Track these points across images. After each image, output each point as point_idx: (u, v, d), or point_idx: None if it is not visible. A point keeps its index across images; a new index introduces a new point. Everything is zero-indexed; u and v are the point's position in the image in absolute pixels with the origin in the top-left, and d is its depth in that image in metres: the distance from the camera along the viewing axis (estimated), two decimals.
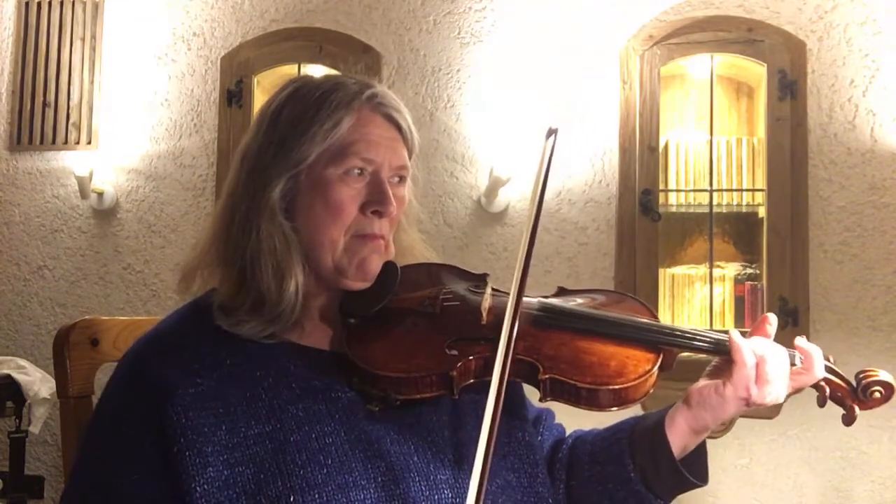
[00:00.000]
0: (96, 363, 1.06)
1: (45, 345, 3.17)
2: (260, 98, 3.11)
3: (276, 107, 0.95)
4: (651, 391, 0.92)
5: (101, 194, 3.14)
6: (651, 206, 2.76)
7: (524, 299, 0.92)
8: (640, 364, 0.92)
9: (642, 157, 2.79)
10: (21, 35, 3.30)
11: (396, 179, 0.96)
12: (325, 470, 0.83)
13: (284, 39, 3.08)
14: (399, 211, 0.96)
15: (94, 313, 3.07)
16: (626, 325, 0.95)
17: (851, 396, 0.94)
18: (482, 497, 0.77)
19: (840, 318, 2.68)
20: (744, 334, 0.96)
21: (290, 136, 0.91)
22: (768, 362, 0.91)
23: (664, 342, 0.94)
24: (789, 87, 2.71)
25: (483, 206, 2.90)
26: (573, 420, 1.13)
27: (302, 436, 0.85)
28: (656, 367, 0.92)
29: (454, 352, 0.91)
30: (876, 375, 0.93)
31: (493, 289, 1.01)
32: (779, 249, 2.69)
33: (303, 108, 0.92)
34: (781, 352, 0.94)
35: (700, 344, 0.95)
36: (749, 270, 2.82)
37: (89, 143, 3.22)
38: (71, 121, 3.24)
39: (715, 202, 2.80)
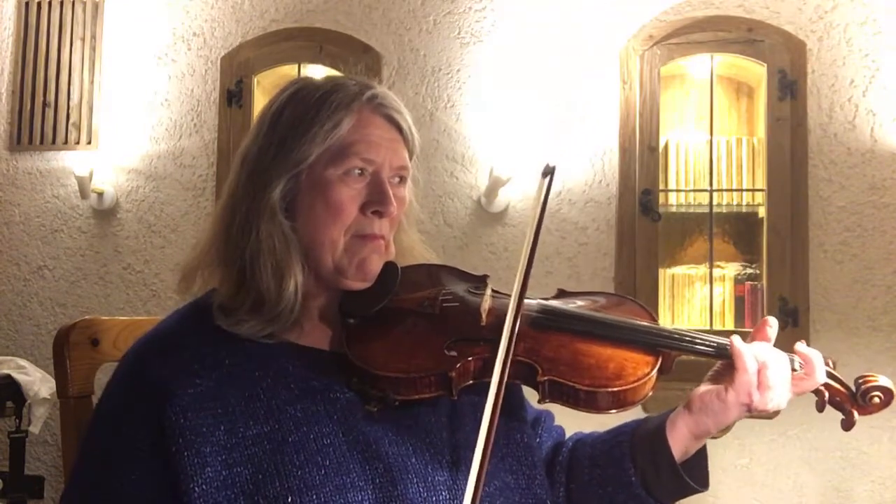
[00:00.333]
0: (96, 363, 1.06)
1: (45, 345, 3.17)
2: (260, 98, 3.11)
3: (276, 108, 0.95)
4: (650, 394, 0.92)
5: (101, 194, 3.14)
6: (651, 206, 2.76)
7: (516, 296, 0.92)
8: (638, 367, 0.92)
9: (642, 157, 2.79)
10: (21, 35, 3.30)
11: (397, 180, 0.96)
12: (322, 471, 0.83)
13: (284, 39, 3.08)
14: (399, 211, 0.96)
15: (94, 313, 3.07)
16: (624, 328, 0.95)
17: (851, 401, 0.94)
18: (478, 499, 0.77)
19: (840, 318, 2.68)
20: (744, 336, 0.95)
21: (290, 136, 0.92)
22: (770, 368, 0.91)
23: (663, 345, 0.94)
24: (789, 87, 2.71)
25: (483, 206, 2.90)
26: (573, 422, 1.13)
27: (300, 436, 0.85)
28: (655, 370, 0.92)
29: (453, 353, 0.91)
30: (875, 380, 0.93)
31: (493, 290, 1.01)
32: (779, 249, 2.69)
33: (303, 109, 0.93)
34: (783, 357, 0.93)
35: (700, 348, 0.94)
36: (749, 270, 2.82)
37: (89, 143, 3.22)
38: (71, 121, 3.24)
39: (715, 202, 2.80)
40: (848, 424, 0.95)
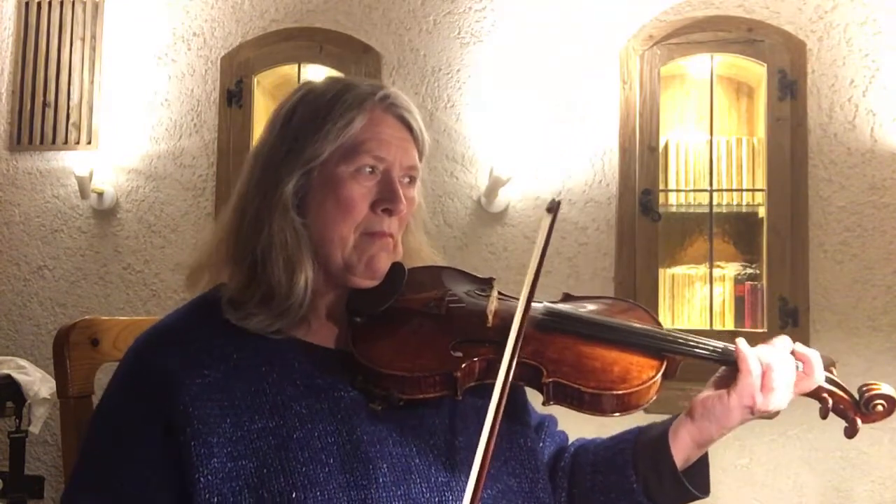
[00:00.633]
0: (96, 363, 1.06)
1: (45, 345, 3.17)
2: (260, 98, 3.11)
3: (289, 107, 0.96)
4: (654, 398, 0.92)
5: (101, 194, 3.14)
6: (651, 206, 2.76)
7: (524, 302, 0.92)
8: (643, 370, 0.92)
9: (642, 157, 2.79)
10: (21, 35, 3.30)
11: (407, 180, 0.97)
12: (326, 468, 0.84)
13: (284, 39, 3.08)
14: (408, 211, 0.97)
15: (94, 313, 3.07)
16: (629, 332, 0.96)
17: (854, 409, 0.94)
18: (477, 500, 0.77)
19: (840, 318, 2.68)
20: (745, 336, 0.96)
21: (302, 134, 0.93)
22: (774, 370, 0.91)
23: (668, 349, 0.95)
24: (789, 87, 2.71)
25: (483, 206, 2.90)
26: (574, 426, 1.13)
27: (304, 433, 0.85)
28: (660, 374, 0.92)
29: (458, 353, 0.91)
30: (878, 389, 0.93)
31: (499, 293, 1.01)
32: (779, 249, 2.69)
33: (316, 107, 0.94)
34: (788, 358, 0.93)
35: (704, 352, 0.95)
36: (749, 270, 2.82)
37: (89, 143, 3.22)
38: (71, 121, 3.24)
39: (715, 202, 2.80)
40: (851, 432, 0.94)
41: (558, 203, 0.98)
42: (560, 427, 1.14)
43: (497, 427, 0.81)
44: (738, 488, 2.65)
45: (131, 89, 3.21)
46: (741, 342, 0.93)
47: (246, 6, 3.15)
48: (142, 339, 0.94)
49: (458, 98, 2.95)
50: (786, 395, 0.93)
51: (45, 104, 3.26)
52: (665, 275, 2.83)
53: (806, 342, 2.79)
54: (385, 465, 0.86)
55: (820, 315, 2.68)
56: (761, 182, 2.76)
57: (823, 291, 2.69)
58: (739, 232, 2.90)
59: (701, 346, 0.95)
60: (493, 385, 0.89)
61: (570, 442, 1.12)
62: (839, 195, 2.71)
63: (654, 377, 0.91)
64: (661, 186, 2.82)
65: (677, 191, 2.85)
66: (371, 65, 2.98)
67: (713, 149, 2.80)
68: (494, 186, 2.81)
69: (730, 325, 2.75)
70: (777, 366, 0.92)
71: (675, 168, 2.84)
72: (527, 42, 2.92)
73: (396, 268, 0.98)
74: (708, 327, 2.73)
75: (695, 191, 2.83)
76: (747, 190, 2.81)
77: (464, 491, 0.82)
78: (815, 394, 0.95)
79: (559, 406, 0.92)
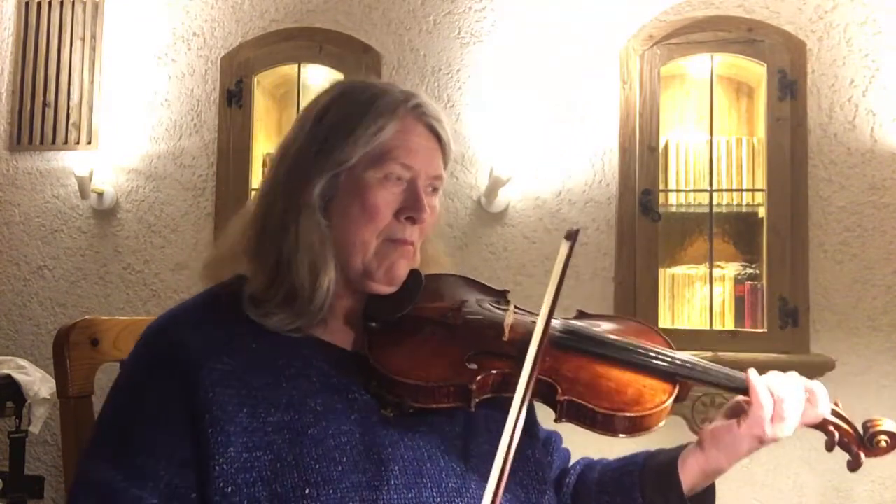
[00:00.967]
0: (96, 363, 1.06)
1: (45, 345, 3.17)
2: (260, 98, 3.11)
3: (321, 107, 0.96)
4: (663, 422, 0.93)
5: (101, 194, 3.14)
6: (651, 206, 2.76)
7: (546, 315, 0.92)
8: (656, 394, 0.93)
9: (642, 157, 2.79)
10: (21, 35, 3.30)
11: (430, 189, 0.98)
12: (339, 467, 0.84)
13: (284, 39, 3.08)
14: (431, 220, 0.97)
15: (94, 313, 3.07)
16: (645, 355, 0.97)
17: (858, 443, 0.96)
18: None
19: (840, 318, 2.68)
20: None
21: (333, 135, 0.93)
22: (786, 401, 0.92)
23: (681, 374, 0.95)
24: (789, 87, 2.71)
25: (483, 206, 2.90)
26: (578, 443, 1.14)
27: (319, 430, 0.86)
28: (672, 399, 0.93)
29: (473, 365, 0.92)
30: (881, 425, 0.95)
31: (515, 307, 1.02)
32: (779, 249, 2.69)
33: (349, 110, 0.94)
34: (798, 389, 0.94)
35: (715, 380, 0.96)
36: (749, 270, 2.81)
37: (89, 143, 3.22)
38: (71, 121, 3.24)
39: (715, 202, 2.80)
40: (855, 465, 0.96)
41: (577, 231, 0.98)
42: (564, 444, 1.15)
43: (514, 443, 0.81)
44: (738, 488, 2.65)
45: (131, 89, 3.21)
46: (752, 374, 0.94)
47: (246, 6, 3.15)
48: (161, 320, 0.93)
49: (458, 98, 2.95)
50: (794, 425, 0.94)
51: (45, 104, 3.26)
52: (665, 275, 2.83)
53: (806, 342, 2.81)
54: (397, 468, 0.86)
55: (820, 315, 2.68)
56: (761, 182, 2.76)
57: (823, 291, 2.69)
58: (739, 232, 2.90)
59: (713, 373, 0.96)
60: (506, 398, 0.89)
61: (573, 461, 1.13)
62: (839, 195, 2.71)
63: (666, 401, 0.92)
64: (661, 186, 2.82)
65: (677, 191, 2.85)
66: (371, 65, 2.97)
67: (713, 149, 2.80)
68: (494, 186, 2.81)
69: (730, 325, 2.75)
70: (788, 397, 0.93)
71: (675, 168, 2.84)
72: (527, 42, 2.92)
73: (414, 275, 0.99)
74: (708, 327, 2.73)
75: (695, 191, 2.83)
76: (747, 190, 2.81)
77: (473, 498, 0.83)
78: (822, 426, 0.97)
79: (569, 424, 0.92)
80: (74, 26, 3.26)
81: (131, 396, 0.88)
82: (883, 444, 0.94)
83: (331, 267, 0.92)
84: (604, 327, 1.03)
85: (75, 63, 3.25)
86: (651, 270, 2.76)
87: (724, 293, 2.79)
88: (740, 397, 0.97)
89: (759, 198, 2.79)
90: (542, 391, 0.92)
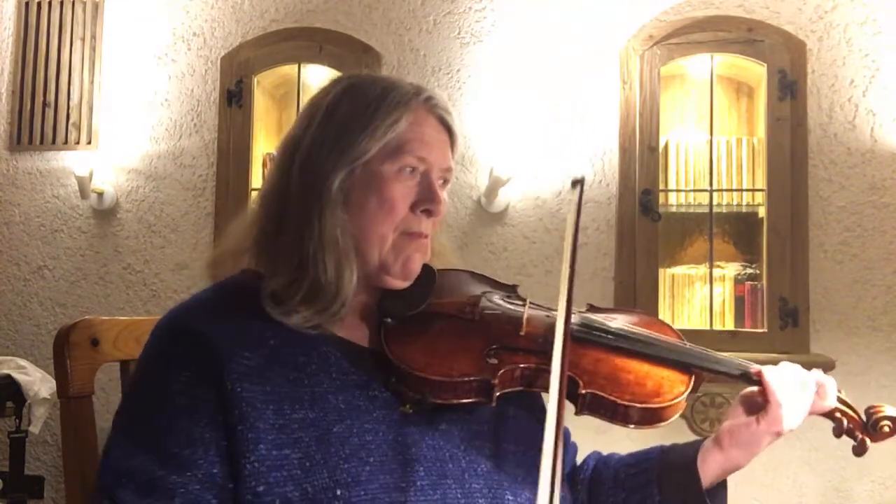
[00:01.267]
0: (96, 363, 1.06)
1: (45, 345, 3.17)
2: (260, 98, 3.11)
3: (332, 100, 0.95)
4: (678, 414, 0.94)
5: (101, 194, 3.14)
6: (651, 206, 2.76)
7: (565, 312, 0.92)
8: (674, 385, 0.94)
9: (642, 157, 2.79)
10: (21, 35, 3.30)
11: (441, 181, 0.97)
12: (367, 467, 0.83)
13: (284, 39, 3.08)
14: (443, 212, 0.97)
15: (94, 313, 3.07)
16: (661, 346, 0.97)
17: (862, 429, 0.99)
18: None
19: (840, 318, 2.68)
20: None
21: (348, 129, 0.92)
22: (800, 398, 0.95)
23: (697, 366, 0.97)
24: (789, 87, 2.71)
25: (483, 206, 2.90)
26: (581, 436, 1.14)
27: (344, 428, 0.85)
28: (689, 390, 0.94)
29: (494, 360, 0.91)
30: (883, 411, 0.99)
31: (530, 301, 1.02)
32: (779, 249, 2.69)
33: (363, 103, 0.93)
34: (811, 384, 0.97)
35: (729, 370, 0.97)
36: (749, 270, 2.81)
37: (89, 143, 3.22)
38: (71, 121, 3.24)
39: (715, 202, 2.80)
40: (861, 450, 1.00)
41: (582, 178, 0.98)
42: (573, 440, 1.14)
43: (560, 444, 0.80)
44: (739, 488, 2.64)
45: (131, 89, 3.21)
46: (767, 374, 0.96)
47: (246, 6, 3.15)
48: (177, 313, 0.91)
49: (458, 98, 2.95)
50: (803, 416, 0.97)
51: (45, 104, 3.26)
52: (665, 275, 2.83)
53: (806, 342, 2.81)
54: (422, 469, 0.86)
55: (820, 315, 2.68)
56: (761, 182, 2.76)
57: (823, 291, 2.69)
58: (739, 232, 2.90)
59: (726, 363, 0.98)
60: (523, 392, 0.90)
61: (584, 455, 1.12)
62: (839, 195, 2.71)
63: (684, 392, 0.93)
64: (661, 186, 2.82)
65: (677, 191, 2.85)
66: (371, 65, 2.97)
67: (713, 149, 2.80)
68: (494, 186, 2.81)
69: (730, 325, 2.75)
70: (802, 394, 0.95)
71: (675, 168, 2.84)
72: (527, 42, 2.92)
73: (427, 270, 0.98)
74: (708, 327, 2.73)
75: (695, 191, 2.83)
76: (747, 190, 2.81)
77: (496, 499, 0.84)
78: (830, 414, 1.00)
79: (589, 417, 0.92)
80: (74, 26, 3.26)
81: (159, 389, 0.85)
82: (886, 428, 0.98)
83: (354, 262, 0.91)
84: (618, 320, 1.03)
85: (75, 63, 3.25)
86: (651, 270, 2.76)
87: (724, 293, 2.79)
88: (751, 389, 0.98)
89: (759, 198, 2.79)
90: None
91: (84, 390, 1.04)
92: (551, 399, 0.82)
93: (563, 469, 1.04)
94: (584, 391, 0.91)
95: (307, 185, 0.91)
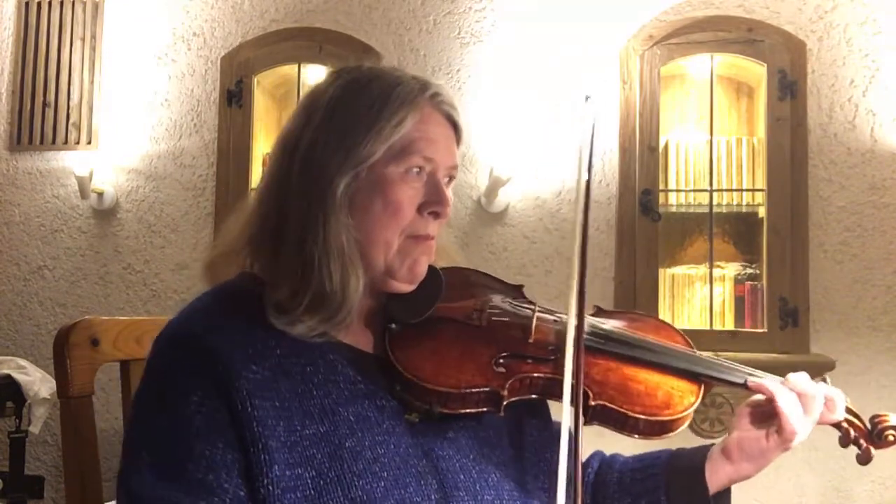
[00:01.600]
0: (96, 363, 1.06)
1: (45, 345, 3.17)
2: (260, 98, 3.11)
3: (332, 97, 0.91)
4: (687, 424, 0.92)
5: (101, 194, 3.14)
6: (651, 206, 2.76)
7: (575, 321, 0.89)
8: (685, 395, 0.92)
9: (642, 157, 2.79)
10: (21, 35, 3.30)
11: (447, 179, 0.94)
12: (382, 483, 0.81)
13: (284, 39, 3.08)
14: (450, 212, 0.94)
15: (94, 313, 3.07)
16: (671, 355, 0.95)
17: (867, 438, 0.98)
18: None
19: (840, 318, 2.68)
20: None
21: (352, 129, 0.88)
22: (811, 416, 0.93)
23: (706, 375, 0.94)
24: (789, 87, 2.71)
25: (483, 206, 2.90)
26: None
27: (355, 442, 0.82)
28: (699, 400, 0.92)
29: (502, 369, 0.89)
30: (889, 420, 0.98)
31: (539, 306, 1.00)
32: (779, 249, 2.69)
33: (367, 101, 0.89)
34: (818, 396, 0.94)
35: (738, 380, 0.95)
36: (749, 270, 2.81)
37: (89, 143, 3.22)
38: (71, 121, 3.24)
39: (715, 202, 2.80)
40: (865, 459, 0.99)
41: (589, 97, 0.95)
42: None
43: (580, 457, 0.79)
44: (739, 489, 2.65)
45: (131, 89, 3.21)
46: (778, 394, 0.92)
47: (246, 6, 3.15)
48: (181, 324, 0.87)
49: (458, 98, 2.95)
50: (811, 429, 0.95)
51: (45, 104, 3.26)
52: (665, 275, 2.83)
53: (806, 342, 2.81)
54: (434, 482, 0.84)
55: (820, 315, 2.68)
56: (761, 182, 2.76)
57: (823, 291, 2.69)
58: (739, 232, 2.90)
59: (737, 373, 0.95)
60: (530, 400, 0.88)
61: (589, 455, 1.11)
62: (839, 195, 2.71)
63: (694, 403, 0.91)
64: (661, 186, 2.82)
65: (677, 191, 2.85)
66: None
67: (713, 149, 2.80)
68: (494, 186, 2.81)
69: (730, 325, 2.75)
70: (813, 411, 0.93)
71: (675, 168, 2.84)
72: (527, 42, 2.92)
73: (433, 273, 0.95)
74: (708, 327, 2.73)
75: (695, 191, 2.83)
76: (747, 190, 2.81)
77: None
78: (837, 425, 0.99)
79: (596, 426, 0.91)
80: (74, 26, 3.26)
81: (171, 412, 0.80)
82: (891, 437, 0.97)
83: (360, 269, 0.87)
84: (625, 326, 1.01)
85: (75, 63, 3.25)
86: (651, 270, 2.76)
87: (724, 293, 2.80)
88: (759, 398, 0.96)
89: (759, 198, 2.79)
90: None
91: (84, 390, 1.03)
92: (564, 419, 0.81)
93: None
94: (593, 403, 0.88)
95: (309, 189, 0.87)
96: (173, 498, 0.77)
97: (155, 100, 3.19)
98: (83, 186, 3.10)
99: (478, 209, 2.91)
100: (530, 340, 0.93)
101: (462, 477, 0.86)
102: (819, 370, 2.56)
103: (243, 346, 0.83)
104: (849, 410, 0.98)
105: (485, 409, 0.88)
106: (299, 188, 0.88)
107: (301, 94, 3.10)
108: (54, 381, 1.05)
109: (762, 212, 2.78)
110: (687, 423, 0.92)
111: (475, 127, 2.92)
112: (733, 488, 1.04)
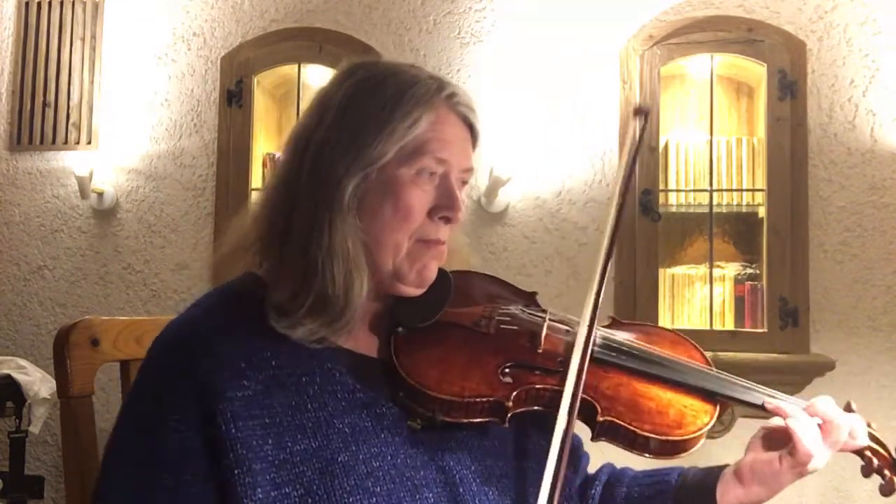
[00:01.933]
0: (96, 363, 1.06)
1: (45, 345, 3.17)
2: (260, 98, 3.11)
3: (344, 95, 0.89)
4: (700, 444, 0.89)
5: (101, 194, 3.14)
6: (651, 206, 2.76)
7: (586, 332, 0.88)
8: (698, 416, 0.89)
9: (642, 157, 2.79)
10: (21, 35, 3.30)
11: (461, 183, 0.92)
12: (374, 499, 0.79)
13: (284, 39, 3.08)
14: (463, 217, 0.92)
15: (94, 313, 3.07)
16: (686, 372, 0.92)
17: (892, 468, 0.95)
18: None
19: (840, 318, 2.68)
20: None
21: (364, 129, 0.86)
22: (832, 434, 0.89)
23: (721, 395, 0.91)
24: (789, 87, 2.71)
25: (483, 206, 2.90)
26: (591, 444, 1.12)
27: (349, 456, 0.81)
28: (714, 421, 0.89)
29: (509, 379, 0.87)
30: None
31: (550, 313, 0.97)
32: (779, 249, 2.69)
33: (380, 101, 0.87)
34: (841, 421, 0.90)
35: (758, 401, 0.91)
36: (749, 270, 2.81)
37: (89, 143, 3.22)
38: (71, 121, 3.24)
39: (715, 202, 2.80)
40: (888, 490, 0.95)
41: (648, 111, 0.93)
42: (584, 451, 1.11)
43: (563, 471, 0.78)
44: None
45: (131, 89, 3.21)
46: (793, 422, 0.88)
47: (246, 6, 3.15)
48: (179, 330, 0.85)
49: None
50: (829, 456, 0.91)
51: (45, 104, 3.26)
52: (665, 275, 2.83)
53: (806, 342, 2.80)
54: (431, 496, 0.83)
55: (820, 315, 2.68)
56: (761, 182, 2.76)
57: (823, 291, 2.69)
58: (739, 232, 2.90)
59: (756, 394, 0.91)
60: (538, 413, 0.85)
61: (596, 468, 1.09)
62: (839, 195, 2.71)
63: (708, 423, 0.88)
64: (661, 186, 2.82)
65: (677, 191, 2.85)
66: None
67: (713, 149, 2.80)
68: (494, 186, 2.81)
69: (730, 325, 2.74)
70: (833, 430, 0.90)
71: (675, 168, 2.84)
72: (527, 42, 2.92)
73: (443, 277, 0.93)
74: (708, 327, 2.73)
75: (695, 191, 2.83)
76: (747, 190, 2.81)
77: None
78: (860, 452, 0.94)
79: (604, 442, 0.89)
80: (74, 26, 3.26)
81: (147, 431, 0.81)
82: None
83: (365, 272, 0.85)
84: (639, 339, 0.98)
85: (75, 63, 3.25)
86: (651, 270, 2.76)
87: (724, 293, 2.79)
88: (776, 421, 0.92)
89: (759, 198, 2.79)
90: (582, 410, 0.87)
91: (84, 390, 1.03)
92: (560, 419, 0.80)
93: (574, 485, 1.01)
94: (601, 418, 0.86)
95: (317, 190, 0.85)
96: None
97: (155, 100, 3.19)
98: (83, 186, 3.10)
99: (478, 209, 2.91)
100: (539, 350, 0.91)
101: (461, 490, 0.85)
102: (819, 370, 2.56)
103: (237, 358, 0.82)
104: (873, 438, 0.93)
105: (489, 419, 0.86)
106: (308, 188, 0.86)
107: (301, 94, 3.10)
108: (54, 381, 1.05)
109: (762, 212, 2.78)
110: (700, 443, 0.88)
111: None
112: None
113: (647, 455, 0.87)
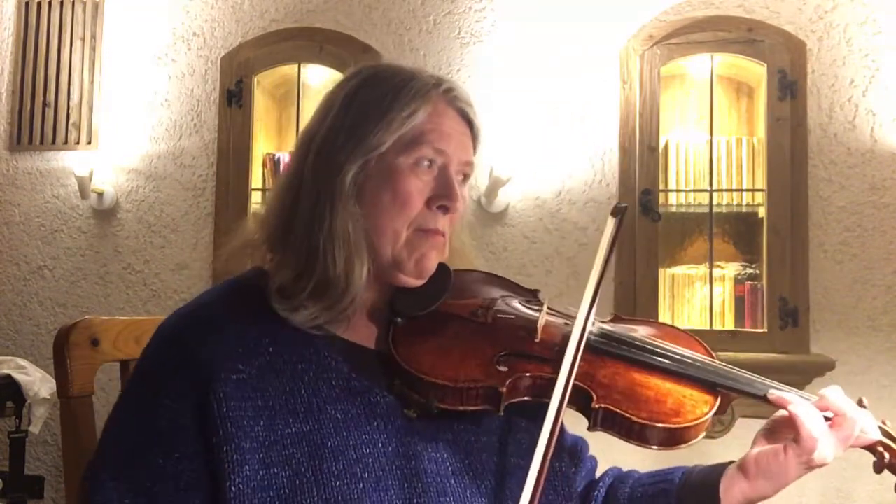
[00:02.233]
0: (96, 363, 1.06)
1: (45, 345, 3.17)
2: (260, 98, 3.11)
3: (349, 91, 0.92)
4: (702, 436, 0.87)
5: (101, 194, 3.14)
6: (651, 206, 2.76)
7: (582, 321, 0.87)
8: (697, 405, 0.88)
9: (642, 157, 2.79)
10: (21, 35, 3.30)
11: (461, 177, 0.93)
12: (361, 484, 0.80)
13: (284, 39, 3.08)
14: (462, 209, 0.93)
15: (94, 313, 3.07)
16: (684, 362, 0.91)
17: None
18: None
19: (840, 318, 2.68)
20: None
21: (364, 120, 0.89)
22: (839, 426, 0.87)
23: (723, 385, 0.90)
24: (789, 87, 2.71)
25: (483, 206, 2.90)
26: (608, 451, 1.11)
27: (339, 441, 0.82)
28: (713, 411, 0.88)
29: (504, 367, 0.87)
30: None
31: (548, 307, 0.97)
32: (779, 249, 2.69)
33: (380, 93, 0.90)
34: (849, 412, 0.87)
35: (761, 392, 0.89)
36: (749, 270, 2.81)
37: (89, 143, 3.22)
38: (71, 121, 3.24)
39: (715, 202, 2.80)
40: None
41: (625, 207, 0.93)
42: (592, 451, 1.10)
43: (548, 460, 0.78)
44: None
45: (131, 89, 3.21)
46: (799, 409, 0.86)
47: (246, 6, 3.15)
48: (179, 320, 0.89)
49: None
50: (838, 450, 0.88)
51: (45, 104, 3.26)
52: (665, 275, 2.83)
53: (806, 342, 2.80)
54: (420, 485, 0.83)
55: (820, 315, 2.68)
56: (761, 182, 2.76)
57: (823, 291, 2.69)
58: (739, 232, 2.90)
59: (757, 385, 0.90)
60: (535, 403, 0.85)
61: (602, 471, 1.09)
62: (839, 195, 2.71)
63: (707, 413, 0.87)
64: (661, 186, 2.82)
65: (677, 191, 2.85)
66: None
67: (713, 149, 2.80)
68: (494, 186, 2.81)
69: (730, 325, 2.75)
70: (841, 422, 0.87)
71: (675, 168, 2.84)
72: (527, 42, 2.92)
73: (442, 269, 0.94)
74: (708, 327, 2.73)
75: (695, 191, 2.83)
76: (747, 190, 2.81)
77: None
78: (871, 448, 0.90)
79: (602, 432, 0.88)
80: (74, 26, 3.26)
81: (142, 410, 0.84)
82: None
83: (365, 257, 0.87)
84: (641, 332, 0.97)
85: (75, 63, 3.25)
86: (651, 270, 2.76)
87: (724, 293, 2.80)
88: (782, 413, 0.91)
89: (759, 198, 2.79)
90: (577, 398, 0.87)
91: (84, 390, 1.03)
92: (547, 419, 0.80)
93: (576, 486, 1.00)
94: (597, 406, 0.86)
95: (320, 177, 0.88)
96: (124, 499, 0.81)
97: (155, 100, 3.19)
98: (83, 186, 3.10)
99: (478, 209, 2.91)
100: (536, 340, 0.91)
101: (453, 482, 0.85)
102: (819, 370, 2.56)
103: (234, 344, 0.84)
104: (885, 433, 0.90)
105: (483, 407, 0.86)
106: (311, 178, 0.89)
107: (301, 94, 3.10)
108: (54, 381, 1.05)
109: (762, 212, 2.78)
110: (701, 433, 0.87)
111: None
112: None
113: (647, 446, 0.86)
